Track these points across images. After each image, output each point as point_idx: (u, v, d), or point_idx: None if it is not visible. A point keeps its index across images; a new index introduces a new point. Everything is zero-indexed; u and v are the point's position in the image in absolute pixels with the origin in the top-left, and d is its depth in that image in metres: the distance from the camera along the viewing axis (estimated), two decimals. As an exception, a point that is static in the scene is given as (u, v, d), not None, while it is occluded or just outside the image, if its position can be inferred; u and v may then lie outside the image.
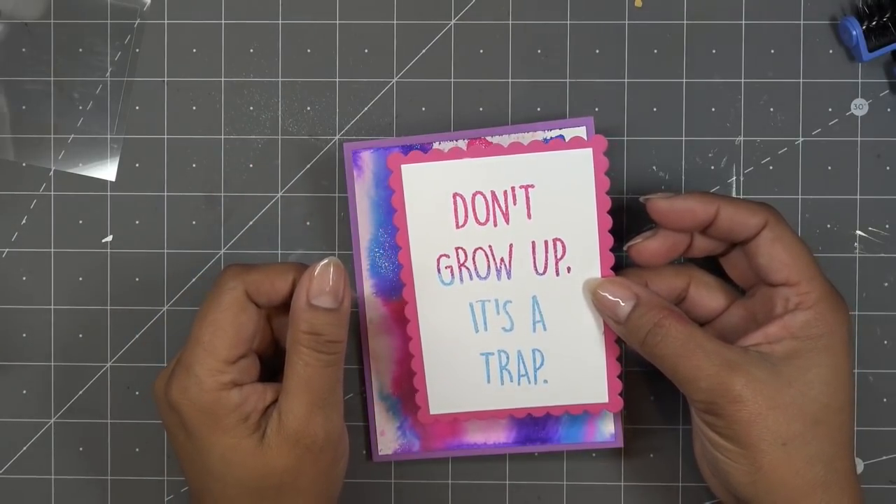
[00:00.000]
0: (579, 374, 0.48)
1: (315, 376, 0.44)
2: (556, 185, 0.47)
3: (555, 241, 0.47)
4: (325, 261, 0.45)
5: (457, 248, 0.48)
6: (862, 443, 0.52)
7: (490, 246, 0.48)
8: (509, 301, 0.48)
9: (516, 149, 0.47)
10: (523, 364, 0.48)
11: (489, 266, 0.48)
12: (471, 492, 0.52)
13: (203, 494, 0.45)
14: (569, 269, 0.47)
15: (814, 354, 0.44)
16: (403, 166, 0.47)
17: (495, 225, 0.47)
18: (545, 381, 0.48)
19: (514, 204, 0.47)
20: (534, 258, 0.48)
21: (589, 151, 0.47)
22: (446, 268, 0.48)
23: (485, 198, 0.47)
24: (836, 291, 0.45)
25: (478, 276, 0.48)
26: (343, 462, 0.47)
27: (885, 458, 0.52)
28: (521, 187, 0.47)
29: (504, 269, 0.48)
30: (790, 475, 0.43)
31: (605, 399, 0.48)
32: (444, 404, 0.49)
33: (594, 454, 0.52)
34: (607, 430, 0.51)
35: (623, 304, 0.45)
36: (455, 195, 0.47)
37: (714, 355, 0.43)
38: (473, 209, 0.47)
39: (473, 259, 0.48)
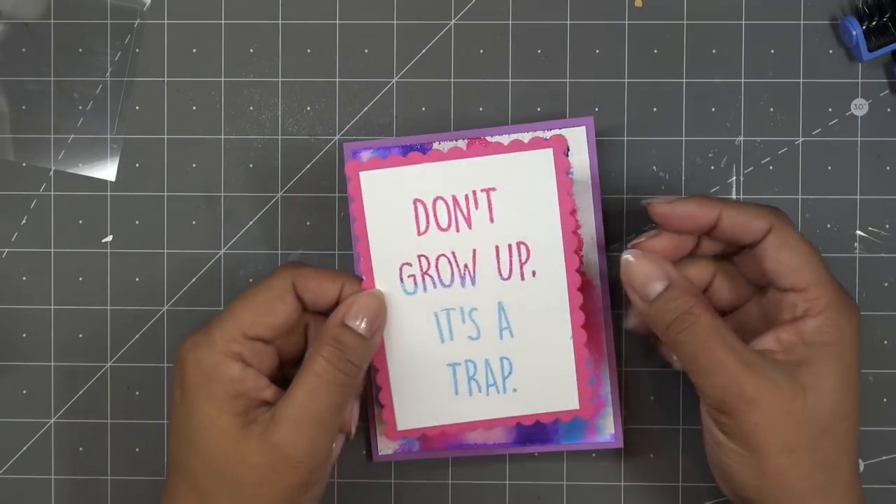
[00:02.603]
0: (549, 381, 0.47)
1: (321, 389, 0.43)
2: (518, 188, 0.46)
3: (518, 244, 0.47)
4: (374, 290, 0.46)
5: (419, 256, 0.47)
6: (862, 443, 0.51)
7: (453, 252, 0.47)
8: (475, 308, 0.47)
9: (476, 151, 0.46)
10: (491, 373, 0.47)
11: (453, 273, 0.47)
12: (471, 492, 0.52)
13: (175, 465, 0.44)
14: (534, 273, 0.47)
15: (826, 363, 0.43)
16: (362, 173, 0.46)
17: (457, 230, 0.47)
18: (514, 390, 0.47)
19: (476, 208, 0.46)
20: (498, 263, 0.47)
21: (549, 152, 0.46)
22: (409, 276, 0.47)
23: (446, 203, 0.46)
24: (846, 294, 0.45)
25: (441, 283, 0.47)
26: (314, 492, 0.45)
27: (885, 458, 0.52)
28: (482, 191, 0.46)
29: (468, 275, 0.47)
30: (794, 480, 0.43)
31: (576, 405, 0.48)
32: (412, 419, 0.48)
33: (594, 454, 0.52)
34: (607, 431, 0.51)
35: (655, 283, 0.44)
36: (416, 201, 0.47)
37: (737, 353, 0.43)
38: (435, 215, 0.47)
39: (437, 266, 0.47)
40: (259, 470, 0.43)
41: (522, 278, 0.47)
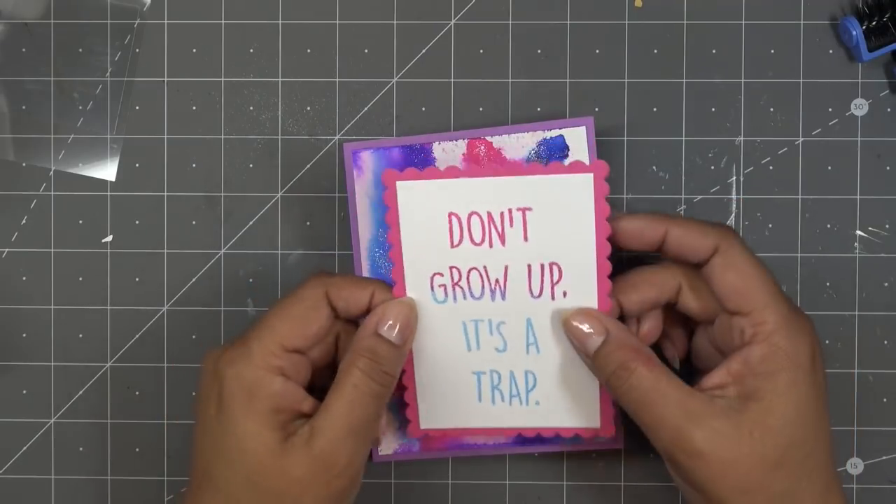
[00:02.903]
0: (572, 398, 0.48)
1: (359, 401, 0.44)
2: (555, 209, 0.46)
3: (551, 265, 0.46)
4: (405, 298, 0.46)
5: (451, 268, 0.47)
6: (862, 443, 0.52)
7: (485, 266, 0.47)
8: (503, 322, 0.47)
9: (515, 170, 0.46)
10: (515, 385, 0.48)
11: (483, 286, 0.47)
12: (471, 492, 0.52)
13: (204, 479, 0.44)
14: (565, 294, 0.46)
15: (777, 394, 0.42)
16: (399, 183, 0.46)
17: (490, 246, 0.46)
18: (537, 403, 0.48)
19: (511, 226, 0.46)
20: (529, 281, 0.47)
21: (590, 177, 0.45)
22: (440, 286, 0.47)
23: (481, 218, 0.46)
24: (799, 315, 0.43)
25: (471, 295, 0.47)
26: (351, 497, 0.45)
27: (885, 458, 0.52)
28: (518, 210, 0.46)
29: (499, 290, 0.47)
30: None
31: (597, 424, 0.48)
32: (434, 420, 0.49)
33: (594, 454, 0.52)
34: (607, 430, 0.51)
35: (593, 337, 0.45)
36: (451, 214, 0.46)
37: (677, 406, 0.42)
38: (469, 229, 0.47)
39: (467, 279, 0.47)
40: (301, 482, 0.43)
41: (553, 298, 0.47)
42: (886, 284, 0.52)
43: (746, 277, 0.43)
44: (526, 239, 0.46)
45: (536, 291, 0.47)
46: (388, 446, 0.51)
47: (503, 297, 0.47)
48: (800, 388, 0.42)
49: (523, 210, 0.46)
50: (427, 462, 0.52)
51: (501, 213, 0.46)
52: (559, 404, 0.48)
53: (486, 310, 0.47)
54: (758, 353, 0.42)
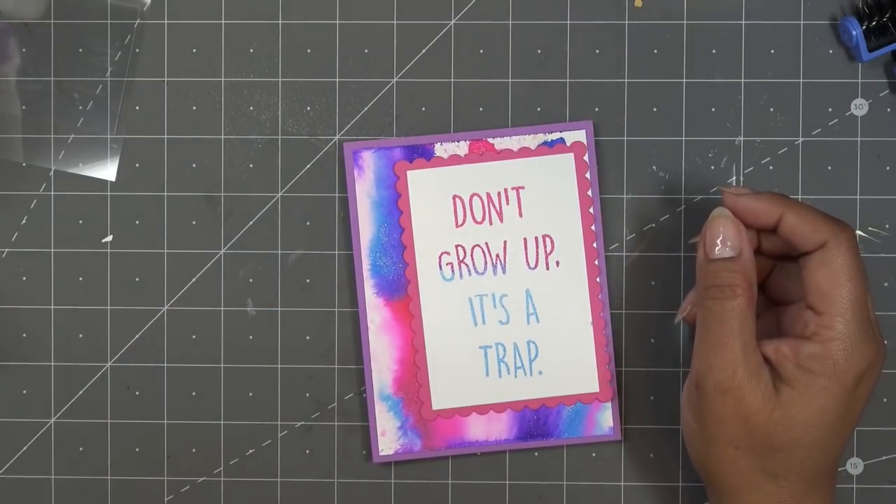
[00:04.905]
0: (571, 364, 0.51)
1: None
2: (544, 186, 0.51)
3: (544, 237, 0.51)
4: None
5: (456, 246, 0.51)
6: (862, 443, 0.52)
7: (486, 243, 0.51)
8: (505, 295, 0.51)
9: (508, 155, 0.51)
10: (519, 356, 0.51)
11: (486, 262, 0.51)
12: (471, 492, 0.52)
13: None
14: (557, 263, 0.51)
15: (807, 392, 0.43)
16: (409, 172, 0.51)
17: (490, 224, 0.51)
18: (540, 373, 0.51)
19: (507, 204, 0.51)
20: (525, 253, 0.51)
21: (571, 156, 0.51)
22: (447, 264, 0.51)
23: (481, 199, 0.51)
24: (868, 338, 0.43)
25: (476, 271, 0.51)
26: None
27: (885, 458, 0.52)
28: (512, 189, 0.51)
29: (500, 264, 0.51)
30: (730, 471, 0.44)
31: (597, 388, 0.51)
32: (447, 399, 0.51)
33: (594, 454, 0.52)
34: (606, 424, 0.51)
35: (725, 247, 0.44)
36: (455, 197, 0.51)
37: (743, 353, 0.43)
38: (471, 209, 0.51)
39: (472, 255, 0.51)
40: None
41: (547, 268, 0.51)
42: (886, 284, 0.52)
43: (834, 282, 0.43)
44: (521, 215, 0.51)
45: (533, 263, 0.51)
46: (389, 446, 0.51)
47: (504, 270, 0.51)
48: (830, 397, 0.43)
49: (517, 189, 0.51)
50: (427, 462, 0.52)
51: (499, 193, 0.51)
52: (560, 372, 0.51)
53: (489, 284, 0.51)
54: (810, 349, 0.43)
